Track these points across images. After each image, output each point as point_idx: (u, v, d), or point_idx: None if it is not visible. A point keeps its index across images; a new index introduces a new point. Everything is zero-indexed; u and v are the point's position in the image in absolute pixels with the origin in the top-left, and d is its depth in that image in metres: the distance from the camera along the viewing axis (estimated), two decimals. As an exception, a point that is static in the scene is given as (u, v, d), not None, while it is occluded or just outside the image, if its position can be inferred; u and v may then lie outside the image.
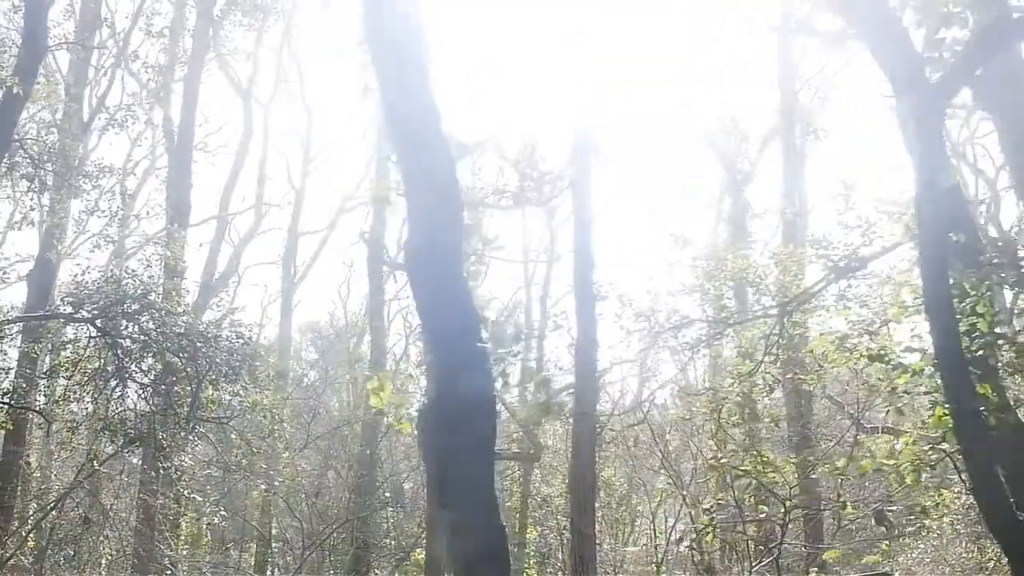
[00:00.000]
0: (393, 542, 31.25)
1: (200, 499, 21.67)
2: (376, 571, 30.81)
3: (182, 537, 28.15)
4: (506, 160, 21.21)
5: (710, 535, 12.10)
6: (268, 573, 31.84)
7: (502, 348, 10.96)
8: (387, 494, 32.47)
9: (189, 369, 19.24)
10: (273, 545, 31.60)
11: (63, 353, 20.18)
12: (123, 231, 24.91)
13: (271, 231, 39.52)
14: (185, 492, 21.22)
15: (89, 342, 20.13)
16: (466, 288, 9.79)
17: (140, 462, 24.28)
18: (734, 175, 33.37)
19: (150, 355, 19.30)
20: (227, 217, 35.72)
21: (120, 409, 20.60)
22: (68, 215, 22.80)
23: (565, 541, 34.08)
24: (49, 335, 20.29)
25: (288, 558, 31.74)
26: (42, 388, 21.35)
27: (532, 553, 36.66)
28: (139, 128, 28.40)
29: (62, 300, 19.36)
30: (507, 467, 36.28)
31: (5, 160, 20.03)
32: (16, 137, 20.22)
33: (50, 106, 23.64)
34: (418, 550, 30.24)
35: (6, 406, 20.32)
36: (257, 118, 36.88)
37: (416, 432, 9.77)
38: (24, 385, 20.65)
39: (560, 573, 34.63)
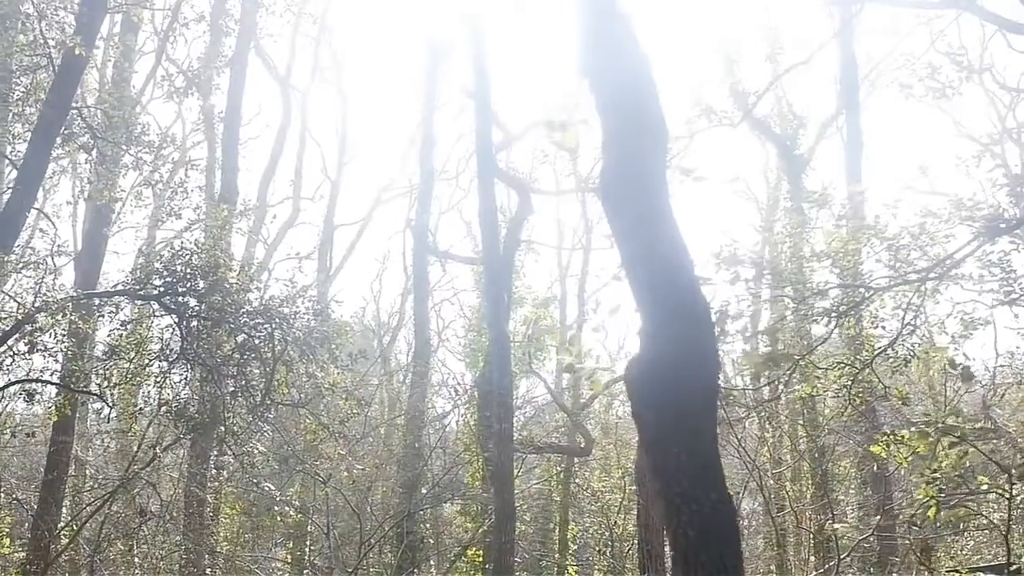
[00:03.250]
0: (449, 539, 30.01)
1: (271, 488, 20.39)
2: (429, 569, 29.59)
3: (221, 534, 26.91)
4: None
5: (933, 510, 10.81)
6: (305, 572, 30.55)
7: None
8: (423, 489, 31.24)
9: (264, 349, 18.05)
10: (308, 543, 30.33)
11: (124, 333, 18.91)
12: (164, 211, 23.57)
13: (305, 224, 38.45)
14: (255, 483, 19.93)
15: (153, 321, 18.97)
16: (673, 220, 8.58)
17: (190, 452, 23.04)
18: (791, 160, 32.65)
19: (221, 334, 18.10)
20: (264, 207, 34.61)
21: (184, 393, 19.41)
22: (116, 189, 21.49)
23: (614, 537, 32.95)
24: (108, 314, 18.99)
25: (316, 560, 30.48)
26: (100, 371, 20.00)
27: (573, 551, 35.42)
28: (191, 102, 27.19)
29: (130, 275, 18.10)
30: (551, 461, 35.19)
31: (63, 131, 18.87)
32: (74, 104, 19.06)
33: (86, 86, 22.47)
34: (474, 548, 29.01)
35: (65, 390, 19.04)
36: (294, 106, 35.97)
37: (625, 385, 8.57)
38: (81, 368, 19.36)
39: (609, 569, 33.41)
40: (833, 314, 14.13)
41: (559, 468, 35.51)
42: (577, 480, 35.50)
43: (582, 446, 32.70)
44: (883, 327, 14.97)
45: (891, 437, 13.87)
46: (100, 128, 19.31)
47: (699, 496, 7.94)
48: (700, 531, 7.77)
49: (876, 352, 14.81)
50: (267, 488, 20.07)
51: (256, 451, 19.54)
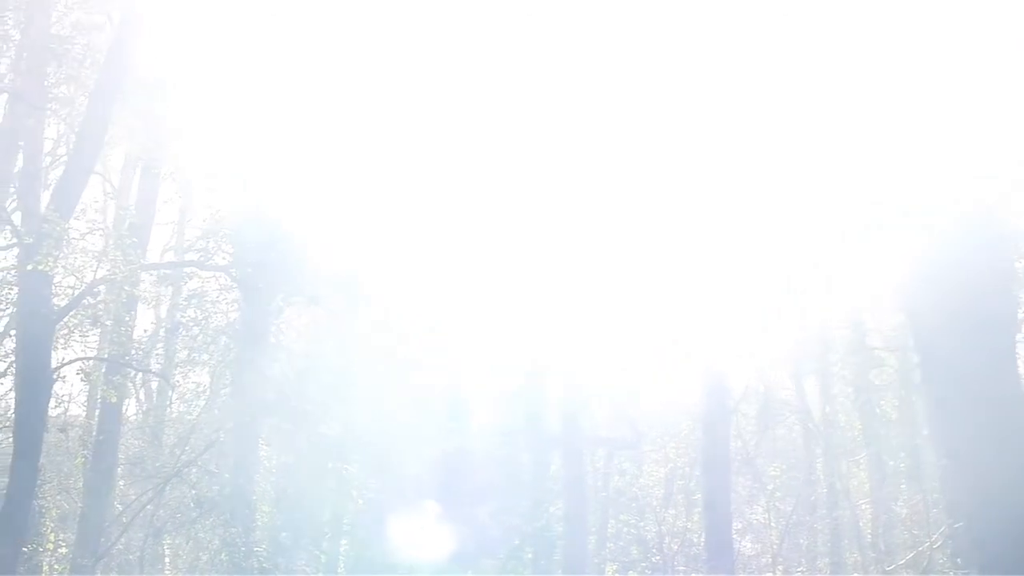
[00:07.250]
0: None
1: (351, 469, 19.06)
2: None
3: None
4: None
5: None
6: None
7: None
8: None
9: (340, 323, 16.86)
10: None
11: (188, 310, 17.70)
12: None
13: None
14: (329, 465, 18.62)
15: (219, 295, 17.77)
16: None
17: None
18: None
19: (299, 303, 16.89)
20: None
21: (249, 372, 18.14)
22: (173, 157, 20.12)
23: (665, 533, 31.64)
24: (174, 287, 17.79)
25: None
26: (161, 350, 18.78)
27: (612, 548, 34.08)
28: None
29: (199, 241, 16.90)
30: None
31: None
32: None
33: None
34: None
35: (124, 369, 17.71)
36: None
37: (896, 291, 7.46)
38: (139, 346, 18.10)
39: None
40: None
41: (599, 463, 34.18)
42: (616, 475, 34.23)
43: (629, 438, 31.57)
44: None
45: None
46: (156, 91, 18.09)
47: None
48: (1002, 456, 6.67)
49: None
50: (347, 468, 18.77)
51: (333, 431, 18.19)
